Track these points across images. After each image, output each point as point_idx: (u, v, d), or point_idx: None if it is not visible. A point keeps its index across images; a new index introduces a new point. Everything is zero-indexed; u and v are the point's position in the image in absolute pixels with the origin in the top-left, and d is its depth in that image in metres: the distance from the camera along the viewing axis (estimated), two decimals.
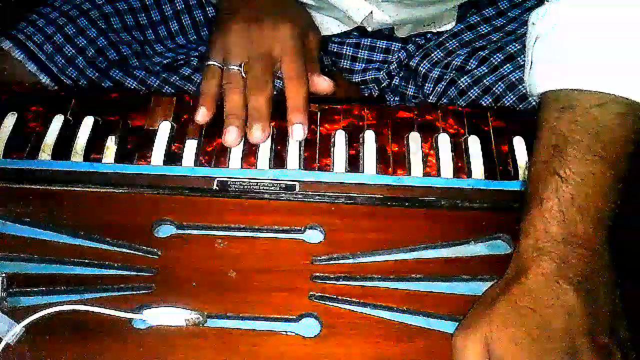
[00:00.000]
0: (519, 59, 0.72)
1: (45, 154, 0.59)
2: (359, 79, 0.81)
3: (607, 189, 0.48)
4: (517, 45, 0.73)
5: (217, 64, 0.63)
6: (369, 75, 0.81)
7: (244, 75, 0.61)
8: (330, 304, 0.51)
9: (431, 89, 0.76)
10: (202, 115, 0.61)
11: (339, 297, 0.51)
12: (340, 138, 0.61)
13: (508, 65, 0.72)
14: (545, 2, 0.56)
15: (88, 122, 0.61)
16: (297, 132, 0.60)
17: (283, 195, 0.57)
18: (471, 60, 0.74)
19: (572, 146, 0.49)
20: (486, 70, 0.73)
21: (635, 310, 0.48)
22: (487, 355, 0.45)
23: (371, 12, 0.72)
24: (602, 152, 0.49)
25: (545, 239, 0.47)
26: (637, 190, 0.53)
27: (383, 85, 0.81)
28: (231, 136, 0.59)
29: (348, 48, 0.80)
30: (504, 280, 0.49)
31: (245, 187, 0.57)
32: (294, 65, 0.62)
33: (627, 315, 0.47)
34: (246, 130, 0.59)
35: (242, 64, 0.61)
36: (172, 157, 0.59)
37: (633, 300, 0.49)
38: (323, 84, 0.63)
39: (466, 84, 0.73)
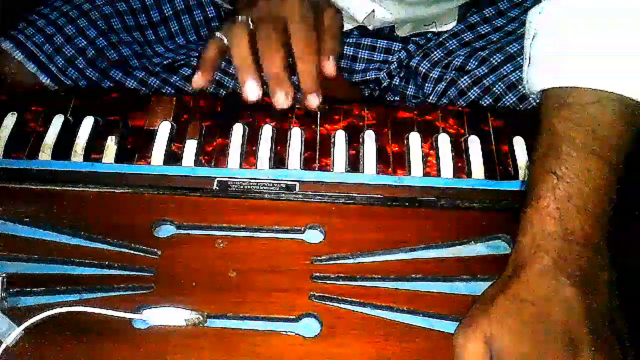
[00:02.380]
0: (519, 59, 0.72)
1: (45, 154, 0.59)
2: (360, 79, 0.81)
3: (603, 185, 0.48)
4: (517, 45, 0.73)
5: (221, 35, 0.59)
6: (369, 75, 0.81)
7: (251, 26, 0.57)
8: (330, 304, 0.51)
9: (431, 89, 0.76)
10: (197, 78, 0.59)
11: (339, 297, 0.51)
12: (340, 138, 0.61)
13: (508, 65, 0.72)
14: (543, 0, 0.56)
15: (88, 122, 0.61)
16: (312, 101, 0.57)
17: (283, 195, 0.57)
18: (471, 61, 0.74)
19: (567, 144, 0.49)
20: (486, 71, 0.73)
21: (634, 307, 0.48)
22: (489, 353, 0.45)
23: (373, 11, 0.72)
24: (597, 149, 0.49)
25: (543, 236, 0.48)
26: (635, 188, 0.53)
27: (383, 85, 0.81)
28: (252, 92, 0.56)
29: (348, 48, 0.80)
30: (502, 277, 0.49)
31: (245, 187, 0.57)
32: (300, 26, 0.58)
33: (624, 310, 0.47)
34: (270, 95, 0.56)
35: (249, 18, 0.58)
36: (172, 157, 0.59)
37: (631, 296, 0.49)
38: (329, 67, 0.58)
39: (466, 84, 0.73)
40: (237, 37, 0.58)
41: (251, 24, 0.57)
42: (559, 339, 0.44)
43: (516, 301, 0.46)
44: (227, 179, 0.57)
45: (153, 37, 0.82)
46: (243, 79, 0.57)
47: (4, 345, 0.47)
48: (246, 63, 0.57)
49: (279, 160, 0.59)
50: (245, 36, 0.57)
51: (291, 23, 0.58)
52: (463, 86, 0.73)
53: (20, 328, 0.47)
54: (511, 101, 0.70)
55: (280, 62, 0.56)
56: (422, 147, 0.60)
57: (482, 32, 0.78)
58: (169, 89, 0.78)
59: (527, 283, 0.46)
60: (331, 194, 0.57)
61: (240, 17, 0.58)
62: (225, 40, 0.59)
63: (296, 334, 0.49)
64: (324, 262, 0.53)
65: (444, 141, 0.60)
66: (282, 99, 0.56)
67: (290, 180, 0.57)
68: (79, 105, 0.62)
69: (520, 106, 0.69)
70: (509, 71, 0.72)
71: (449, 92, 0.75)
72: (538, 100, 0.56)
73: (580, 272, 0.46)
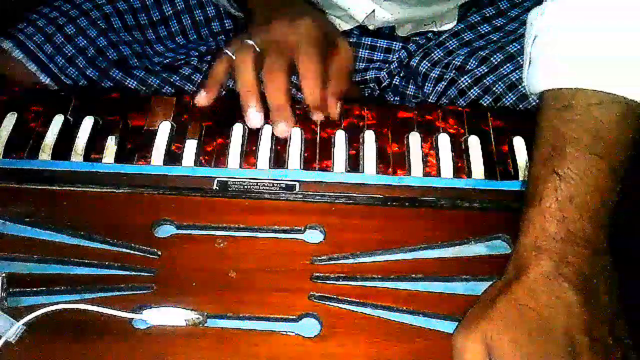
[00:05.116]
0: (519, 58, 0.72)
1: (45, 154, 0.59)
2: (360, 79, 0.81)
3: (605, 187, 0.48)
4: (517, 45, 0.73)
5: (230, 53, 0.61)
6: (369, 75, 0.81)
7: (257, 50, 0.59)
8: (330, 304, 0.51)
9: (431, 88, 0.76)
10: (201, 97, 0.61)
11: (339, 297, 0.51)
12: (340, 138, 0.61)
13: (508, 65, 0.72)
14: (544, 1, 0.56)
15: (88, 122, 0.61)
16: (316, 116, 0.61)
17: (283, 195, 0.57)
18: (471, 60, 0.74)
19: (570, 145, 0.49)
20: (486, 70, 0.73)
21: (635, 308, 0.48)
22: (487, 355, 0.45)
23: (373, 11, 0.72)
24: (600, 151, 0.49)
25: (544, 238, 0.47)
26: (637, 190, 0.53)
27: (383, 85, 0.81)
28: (254, 120, 0.59)
29: None
30: (503, 279, 0.49)
31: (245, 187, 0.57)
32: (308, 54, 0.59)
33: (627, 314, 0.47)
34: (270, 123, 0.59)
35: (256, 43, 0.59)
36: (172, 157, 0.59)
37: (632, 298, 0.49)
38: (333, 111, 0.61)
39: (466, 83, 0.73)
40: (243, 62, 0.59)
41: (257, 48, 0.58)
42: (559, 343, 0.44)
43: (517, 304, 0.46)
44: (227, 179, 0.57)
45: (153, 37, 0.82)
46: (246, 106, 0.59)
47: (3, 339, 0.47)
48: (250, 90, 0.58)
49: (279, 160, 0.59)
50: (251, 62, 0.59)
51: (300, 50, 0.59)
52: (463, 86, 0.73)
53: (21, 322, 0.47)
54: (511, 101, 0.70)
55: (283, 91, 0.58)
56: (422, 147, 0.60)
57: (482, 32, 0.78)
58: (169, 88, 0.78)
59: (528, 286, 0.46)
60: (331, 194, 0.57)
61: (248, 40, 0.59)
62: (234, 57, 0.60)
63: (296, 334, 0.49)
64: (324, 262, 0.53)
65: (444, 141, 0.60)
66: (282, 128, 0.58)
67: (290, 180, 0.57)
68: (79, 105, 0.62)
69: (520, 106, 0.70)
70: (509, 71, 0.72)
71: (449, 92, 0.75)
72: (538, 101, 0.56)
73: (581, 274, 0.46)
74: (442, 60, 0.76)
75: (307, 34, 0.60)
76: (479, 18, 0.79)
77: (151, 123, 0.61)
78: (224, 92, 0.66)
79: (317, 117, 0.61)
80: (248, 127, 0.60)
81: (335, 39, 0.63)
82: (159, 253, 0.53)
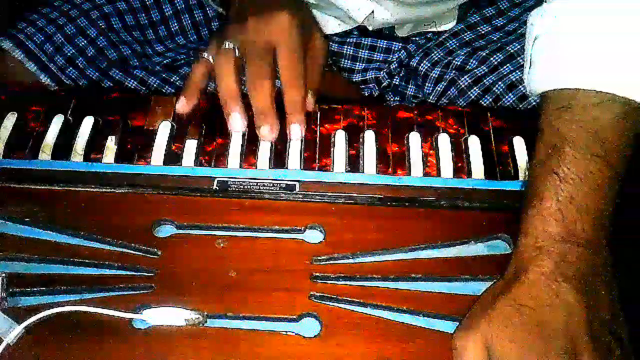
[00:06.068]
0: (519, 58, 0.72)
1: (45, 154, 0.59)
2: (359, 79, 0.81)
3: (605, 188, 0.48)
4: (517, 45, 0.73)
5: (208, 56, 0.62)
6: (369, 75, 0.81)
7: (237, 54, 0.59)
8: (330, 304, 0.51)
9: (431, 88, 0.76)
10: (181, 104, 0.61)
11: (339, 297, 0.51)
12: (340, 138, 0.61)
13: (508, 65, 0.72)
14: (544, 2, 0.56)
15: (88, 122, 0.61)
16: (295, 132, 0.60)
17: (283, 195, 0.57)
18: (471, 60, 0.74)
19: (570, 145, 0.49)
20: (486, 70, 0.73)
21: (635, 308, 0.48)
22: (487, 355, 0.45)
23: (372, 11, 0.72)
24: (600, 152, 0.49)
25: (544, 238, 0.47)
26: (637, 190, 0.53)
27: (383, 85, 0.81)
28: (237, 124, 0.59)
29: (348, 47, 0.80)
30: (503, 279, 0.49)
31: (245, 187, 0.57)
32: (289, 55, 0.59)
33: (627, 314, 0.47)
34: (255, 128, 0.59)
35: (236, 46, 0.59)
36: (172, 157, 0.59)
37: (632, 298, 0.49)
38: (309, 103, 0.61)
39: (466, 83, 0.73)
40: (223, 67, 0.59)
41: (237, 51, 0.58)
42: (559, 345, 0.44)
43: (517, 305, 0.46)
44: (227, 179, 0.57)
45: (153, 37, 0.82)
46: (228, 111, 0.58)
47: (4, 344, 0.47)
48: (231, 95, 0.59)
49: (279, 160, 0.59)
50: (231, 66, 0.59)
51: (280, 51, 0.59)
52: (463, 86, 0.73)
53: (21, 326, 0.47)
54: (511, 101, 0.70)
55: (267, 96, 0.58)
56: (422, 147, 0.60)
57: (482, 32, 0.78)
58: (169, 88, 0.78)
59: (528, 287, 0.46)
60: (331, 194, 0.57)
61: (227, 42, 0.59)
62: (212, 60, 0.60)
63: (296, 334, 0.49)
64: (324, 262, 0.53)
65: (444, 141, 0.60)
66: (266, 132, 0.58)
67: (290, 180, 0.57)
68: (79, 105, 0.62)
69: (520, 106, 0.70)
70: (509, 71, 0.72)
71: (449, 92, 0.75)
72: (539, 102, 0.56)
73: (581, 275, 0.46)
74: (442, 60, 0.76)
75: (285, 32, 0.60)
76: (478, 18, 0.79)
77: (151, 123, 0.61)
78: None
79: (295, 132, 0.60)
80: (231, 129, 0.60)
81: (311, 29, 0.64)
82: (159, 253, 0.53)
